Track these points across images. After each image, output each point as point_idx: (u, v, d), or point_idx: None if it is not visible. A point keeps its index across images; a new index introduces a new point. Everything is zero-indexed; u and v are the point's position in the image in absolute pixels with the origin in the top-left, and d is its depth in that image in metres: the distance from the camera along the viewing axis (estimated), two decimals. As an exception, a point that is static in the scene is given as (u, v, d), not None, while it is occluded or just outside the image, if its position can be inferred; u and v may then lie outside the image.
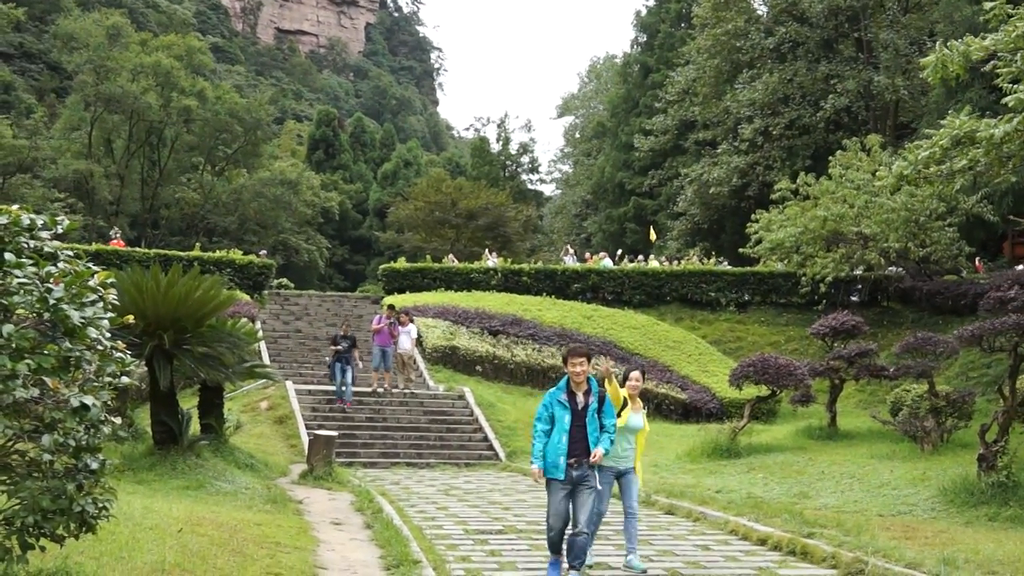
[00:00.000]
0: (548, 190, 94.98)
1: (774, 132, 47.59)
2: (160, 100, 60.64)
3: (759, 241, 35.49)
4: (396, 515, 12.74)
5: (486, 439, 23.27)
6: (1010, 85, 19.36)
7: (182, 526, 9.51)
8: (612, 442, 9.04)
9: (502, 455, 22.38)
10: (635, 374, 10.56)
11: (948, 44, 21.82)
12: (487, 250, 46.68)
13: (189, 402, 19.08)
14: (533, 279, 36.83)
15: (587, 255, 47.45)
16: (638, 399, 10.41)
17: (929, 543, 10.85)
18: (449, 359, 28.59)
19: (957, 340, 17.01)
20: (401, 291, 35.58)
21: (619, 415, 9.84)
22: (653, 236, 47.85)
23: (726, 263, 41.53)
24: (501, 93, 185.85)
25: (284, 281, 46.36)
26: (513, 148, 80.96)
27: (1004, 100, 19.27)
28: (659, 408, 28.05)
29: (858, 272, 34.21)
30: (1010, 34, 19.76)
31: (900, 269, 34.49)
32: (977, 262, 35.40)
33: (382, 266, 39.88)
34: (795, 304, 35.92)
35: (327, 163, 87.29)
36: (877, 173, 30.25)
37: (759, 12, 52.42)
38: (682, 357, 30.94)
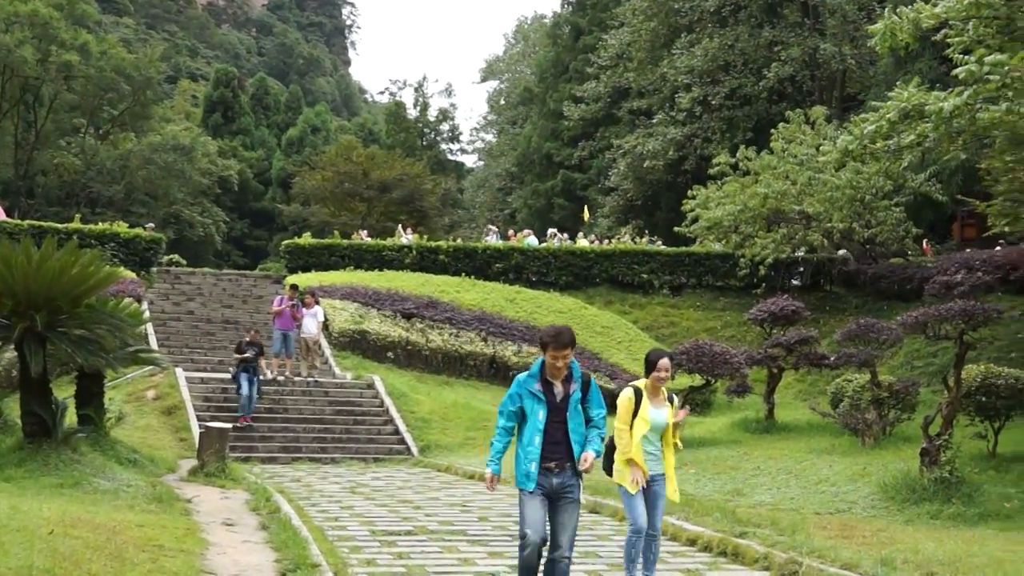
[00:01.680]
0: (470, 161, 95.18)
1: (713, 102, 48.04)
2: (37, 54, 59.19)
3: (696, 219, 35.90)
4: (295, 515, 12.66)
5: (397, 432, 23.22)
6: (961, 56, 19.73)
7: (53, 528, 9.34)
8: (602, 439, 8.00)
9: (415, 450, 22.34)
10: (664, 362, 8.93)
11: (898, 11, 22.20)
12: (401, 226, 46.58)
13: (65, 391, 18.68)
14: (451, 258, 36.79)
15: (511, 233, 47.52)
16: (662, 390, 9.03)
17: (867, 543, 11.08)
18: (358, 344, 28.43)
19: (901, 327, 17.35)
20: (306, 269, 35.30)
21: (633, 419, 8.78)
22: (586, 216, 47.97)
23: (660, 243, 41.88)
24: (420, 54, 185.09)
25: (175, 258, 45.68)
26: (432, 114, 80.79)
27: (955, 72, 19.64)
28: (586, 399, 28.37)
29: (800, 254, 34.77)
30: (962, 1, 20.15)
31: (845, 252, 35.10)
32: (925, 244, 36.15)
33: (285, 242, 39.59)
34: (733, 287, 36.35)
35: (225, 128, 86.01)
36: (821, 148, 30.83)
37: (699, -28, 52.83)
38: (611, 344, 31.18)
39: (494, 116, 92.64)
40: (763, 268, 33.50)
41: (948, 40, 20.39)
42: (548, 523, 7.77)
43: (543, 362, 7.72)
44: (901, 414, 19.35)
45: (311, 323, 25.04)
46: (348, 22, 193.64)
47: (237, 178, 77.88)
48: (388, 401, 24.40)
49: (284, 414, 23.38)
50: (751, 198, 33.44)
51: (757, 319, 24.15)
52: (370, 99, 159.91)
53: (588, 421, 7.83)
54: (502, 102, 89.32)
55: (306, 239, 38.93)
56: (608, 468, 8.98)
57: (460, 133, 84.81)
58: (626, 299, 36.49)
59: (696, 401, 25.01)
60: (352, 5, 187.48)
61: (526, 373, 7.81)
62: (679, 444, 9.39)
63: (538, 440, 7.66)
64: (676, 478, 9.25)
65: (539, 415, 7.67)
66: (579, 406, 7.78)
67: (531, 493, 7.66)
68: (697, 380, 22.10)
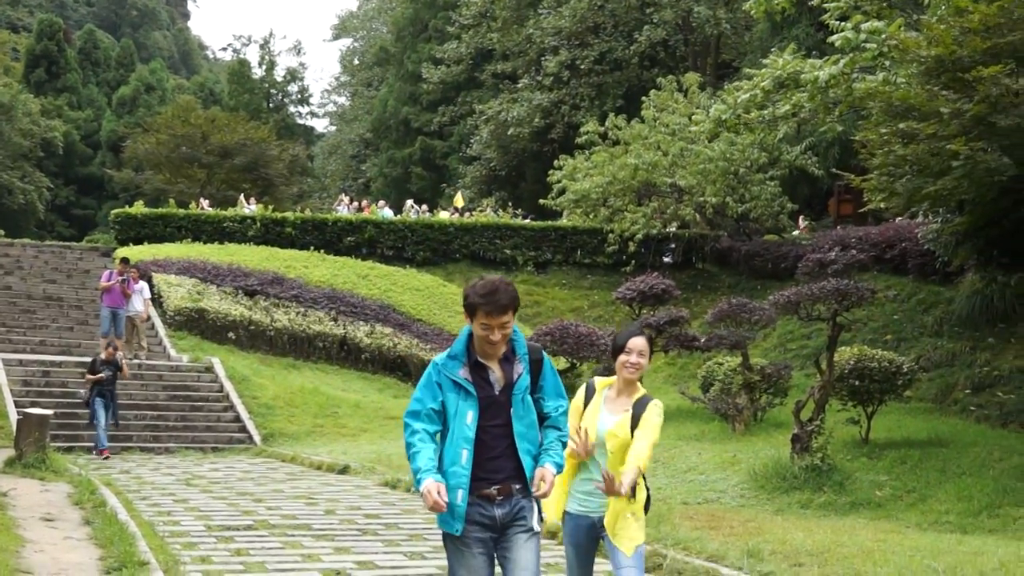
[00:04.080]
0: (321, 126, 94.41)
1: (582, 66, 48.42)
2: None
3: (562, 192, 36.14)
4: (122, 509, 12.43)
5: (238, 419, 22.98)
6: (838, 23, 20.27)
7: None
8: (564, 444, 5.58)
9: (257, 438, 22.16)
10: (637, 342, 6.25)
11: (774, -27, 22.70)
12: (244, 195, 45.94)
13: None
14: (299, 231, 36.43)
15: (364, 204, 47.22)
16: (637, 385, 6.34)
17: (735, 533, 11.34)
18: (196, 324, 27.95)
19: (773, 307, 17.73)
20: (138, 241, 34.57)
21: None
22: (459, 202, 47.49)
23: (531, 217, 42.09)
24: (266, 7, 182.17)
25: (-9, 227, 44.29)
26: (279, 74, 79.90)
27: (831, 39, 20.17)
28: (444, 383, 28.47)
29: (671, 229, 35.32)
30: (839, -35, 20.68)
31: (721, 232, 35.77)
32: (800, 221, 37.06)
33: (115, 211, 38.67)
34: (601, 264, 36.76)
35: (50, 84, 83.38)
36: (694, 117, 31.27)
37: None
38: (472, 324, 31.25)
39: (347, 77, 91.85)
40: (633, 244, 33.91)
41: (825, 6, 20.93)
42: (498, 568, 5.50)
43: (470, 335, 5.43)
44: (773, 399, 19.82)
45: (136, 300, 24.69)
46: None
47: (62, 140, 75.45)
48: (228, 386, 24.11)
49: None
50: (620, 169, 33.80)
51: (626, 298, 24.45)
52: (211, 56, 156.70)
53: (543, 419, 5.54)
54: (356, 62, 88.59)
55: (138, 208, 38.07)
56: None
57: (310, 95, 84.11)
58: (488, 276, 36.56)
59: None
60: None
61: (444, 354, 5.50)
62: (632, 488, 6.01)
63: (466, 455, 5.29)
64: None
65: (467, 417, 5.32)
66: (528, 397, 5.46)
67: (462, 540, 5.34)
68: (562, 363, 22.33)
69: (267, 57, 79.82)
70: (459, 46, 57.87)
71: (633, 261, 34.85)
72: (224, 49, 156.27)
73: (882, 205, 19.54)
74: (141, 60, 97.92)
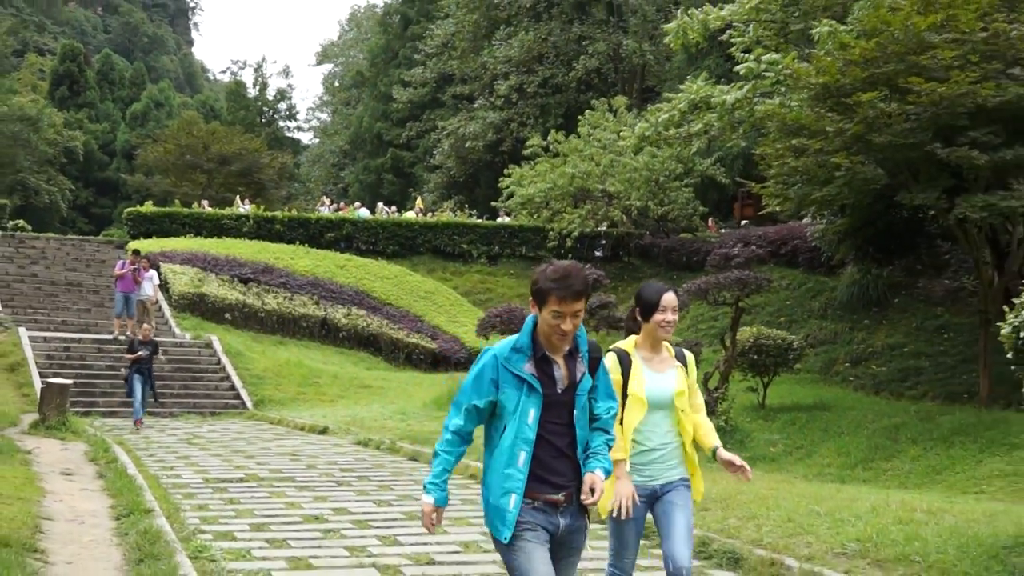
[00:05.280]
0: (306, 138, 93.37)
1: (528, 89, 48.41)
2: None
3: (511, 196, 36.15)
4: (131, 464, 12.31)
5: (233, 388, 22.79)
6: (743, 54, 20.40)
7: None
8: (611, 448, 4.38)
9: (249, 404, 21.99)
10: (669, 297, 5.15)
11: (689, 12, 22.78)
12: (239, 197, 45.49)
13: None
14: (286, 227, 36.14)
15: (342, 205, 46.96)
16: (666, 345, 5.27)
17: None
18: (197, 306, 27.70)
19: (686, 293, 17.83)
20: (148, 236, 34.11)
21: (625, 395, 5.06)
22: (420, 204, 47.30)
23: (484, 217, 42.03)
24: (259, 36, 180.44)
25: (21, 223, 43.56)
26: (270, 94, 78.98)
27: (737, 68, 20.30)
28: (409, 358, 28.44)
29: (602, 228, 35.40)
30: (744, 5, 20.80)
31: (644, 231, 35.88)
32: (710, 222, 37.24)
33: (127, 210, 38.18)
34: (543, 257, 36.57)
35: (71, 100, 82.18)
36: (622, 133, 31.40)
37: (517, -29, 53.03)
38: (433, 307, 31.21)
39: (329, 97, 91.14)
40: (570, 240, 33.96)
41: (732, 40, 21.05)
42: None
43: (535, 325, 4.21)
44: (686, 371, 19.89)
45: (147, 286, 24.47)
46: (191, 4, 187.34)
47: (83, 149, 74.45)
48: (225, 359, 23.91)
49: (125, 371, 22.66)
50: (560, 177, 33.86)
51: (563, 286, 24.49)
52: (212, 78, 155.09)
53: (593, 419, 4.36)
54: (336, 84, 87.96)
55: (148, 207, 37.59)
56: None
57: (297, 112, 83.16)
58: (447, 267, 36.54)
59: (508, 359, 25.21)
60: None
61: (506, 343, 4.22)
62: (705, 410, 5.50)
63: (524, 457, 4.10)
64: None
65: (529, 416, 4.11)
66: (587, 400, 4.29)
67: (523, 538, 4.12)
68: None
69: (260, 79, 78.94)
70: (424, 71, 57.66)
71: (570, 255, 34.81)
72: (223, 72, 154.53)
73: (777, 208, 19.68)
74: (151, 80, 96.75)
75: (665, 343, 5.21)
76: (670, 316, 5.10)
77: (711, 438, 5.30)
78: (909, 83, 14.15)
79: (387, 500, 10.82)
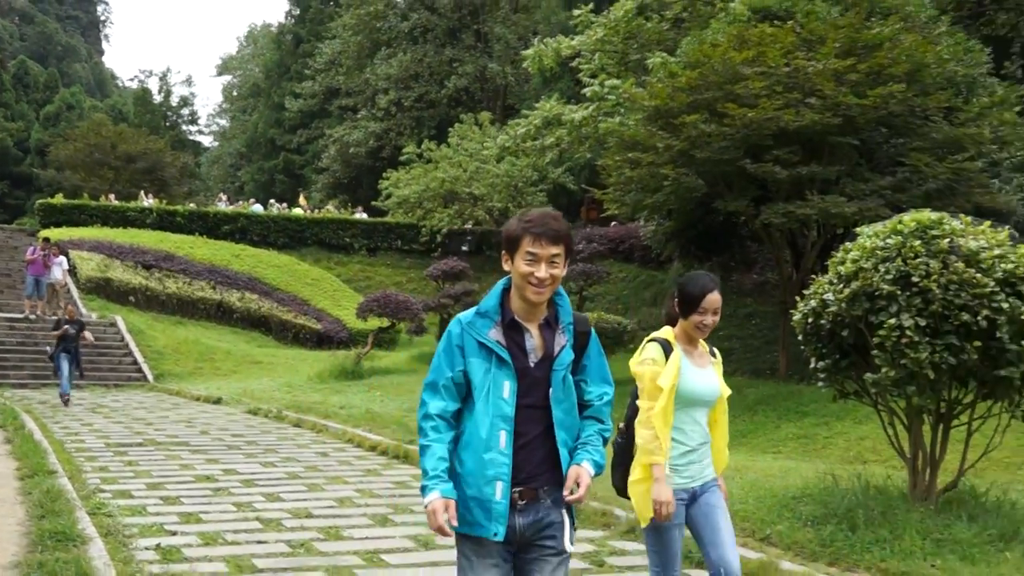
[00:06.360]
0: (207, 141, 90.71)
1: (406, 104, 48.04)
2: None
3: (389, 196, 35.83)
4: (38, 430, 11.80)
5: (135, 363, 22.05)
6: (589, 79, 20.64)
7: None
8: (607, 440, 3.26)
9: (150, 377, 21.34)
10: (714, 297, 4.20)
11: (545, 41, 22.96)
12: (144, 192, 43.97)
13: None
14: (187, 220, 35.08)
15: (239, 201, 45.85)
16: (700, 341, 4.39)
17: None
18: (103, 289, 26.66)
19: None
20: (58, 226, 32.62)
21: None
22: (303, 201, 46.31)
23: (365, 214, 41.57)
24: (165, 48, 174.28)
25: (-64, 212, 41.23)
26: (174, 100, 76.53)
27: (584, 91, 20.52)
28: (296, 337, 28.02)
29: (468, 226, 35.43)
30: (591, 37, 21.06)
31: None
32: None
33: (39, 201, 36.51)
34: (416, 251, 36.58)
35: (-13, 101, 78.12)
36: (486, 144, 31.46)
37: (397, -1, 52.56)
38: (319, 293, 30.76)
39: (228, 105, 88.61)
40: (440, 236, 33.92)
41: (580, 66, 21.29)
42: None
43: (504, 291, 3.24)
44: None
45: (56, 271, 23.56)
46: (102, 18, 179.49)
47: (-2, 145, 70.97)
48: (128, 337, 23.13)
49: (35, 347, 21.61)
50: (432, 181, 33.73)
51: (433, 275, 24.48)
52: (121, 85, 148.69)
53: (583, 407, 3.25)
54: (235, 93, 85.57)
55: (59, 199, 36.01)
56: (622, 483, 4.27)
57: (198, 117, 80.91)
58: (332, 258, 36.07)
59: (384, 339, 25.09)
60: (106, 3, 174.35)
61: (472, 310, 3.24)
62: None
63: (505, 437, 3.07)
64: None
65: (503, 389, 3.09)
66: (570, 377, 3.18)
67: (490, 546, 3.09)
68: (385, 322, 22.18)
69: (165, 87, 76.39)
70: (314, 84, 56.64)
71: (440, 249, 34.80)
72: (132, 79, 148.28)
73: (616, 212, 20.00)
74: (64, 85, 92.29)
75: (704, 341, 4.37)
76: (709, 320, 4.16)
77: (721, 461, 4.32)
78: (725, 108, 14.55)
79: (272, 462, 10.63)
